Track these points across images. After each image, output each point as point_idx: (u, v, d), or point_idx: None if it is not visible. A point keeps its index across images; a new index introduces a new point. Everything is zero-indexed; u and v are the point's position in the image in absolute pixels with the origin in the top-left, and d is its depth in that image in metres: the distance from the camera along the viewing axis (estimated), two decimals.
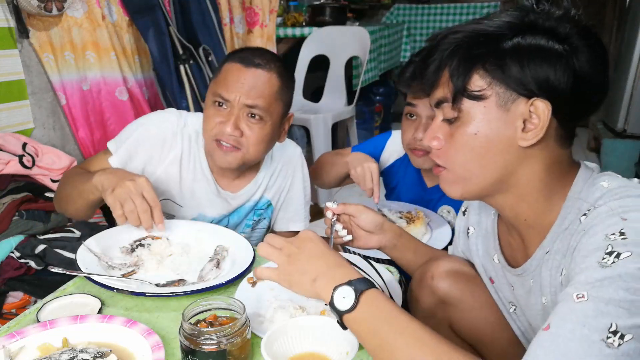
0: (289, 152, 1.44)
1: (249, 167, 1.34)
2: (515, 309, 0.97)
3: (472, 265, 1.05)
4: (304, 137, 3.96)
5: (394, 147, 1.58)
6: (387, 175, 1.61)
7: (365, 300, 0.75)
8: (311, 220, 2.86)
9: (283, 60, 1.27)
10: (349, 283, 0.76)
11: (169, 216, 1.32)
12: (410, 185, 1.51)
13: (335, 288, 0.76)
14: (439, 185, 0.90)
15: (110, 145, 1.30)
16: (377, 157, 1.57)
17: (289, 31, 3.30)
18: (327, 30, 3.22)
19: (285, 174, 1.43)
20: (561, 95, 0.75)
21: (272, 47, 3.23)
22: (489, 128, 0.78)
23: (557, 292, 0.80)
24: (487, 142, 0.78)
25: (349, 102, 3.12)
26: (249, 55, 1.20)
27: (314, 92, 3.53)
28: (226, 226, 1.36)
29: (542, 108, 0.75)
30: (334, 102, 3.14)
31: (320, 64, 3.23)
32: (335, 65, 3.18)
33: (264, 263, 1.07)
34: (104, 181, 1.11)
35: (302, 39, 3.25)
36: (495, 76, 0.76)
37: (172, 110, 1.33)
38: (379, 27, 3.56)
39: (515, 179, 0.81)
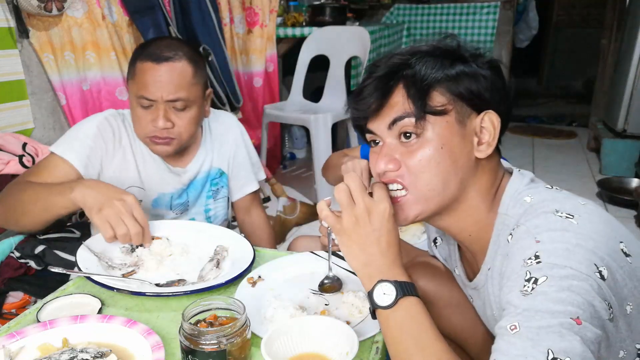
0: (225, 120, 1.52)
1: (191, 143, 1.40)
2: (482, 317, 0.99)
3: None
4: (304, 137, 3.97)
5: None
6: None
7: (403, 305, 0.75)
8: (311, 221, 2.85)
9: (188, 43, 1.33)
10: (395, 283, 0.76)
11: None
12: None
13: (379, 281, 0.77)
14: (396, 212, 0.85)
15: (57, 148, 1.27)
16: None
17: (289, 31, 3.30)
18: (327, 30, 3.22)
19: (227, 140, 1.50)
20: (495, 105, 0.82)
21: (272, 47, 3.24)
22: (452, 142, 0.80)
23: (501, 309, 0.81)
24: (451, 156, 0.80)
25: None
26: (157, 51, 1.24)
27: (314, 92, 3.52)
28: (187, 200, 1.43)
29: (491, 120, 0.81)
30: (334, 102, 3.14)
31: (320, 64, 3.23)
32: (335, 65, 3.18)
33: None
34: (87, 198, 1.07)
35: (302, 39, 3.25)
36: (453, 93, 0.80)
37: (109, 109, 1.38)
38: (379, 27, 3.56)
39: (466, 193, 0.83)
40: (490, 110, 0.81)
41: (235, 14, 3.05)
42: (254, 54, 3.20)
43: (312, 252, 1.11)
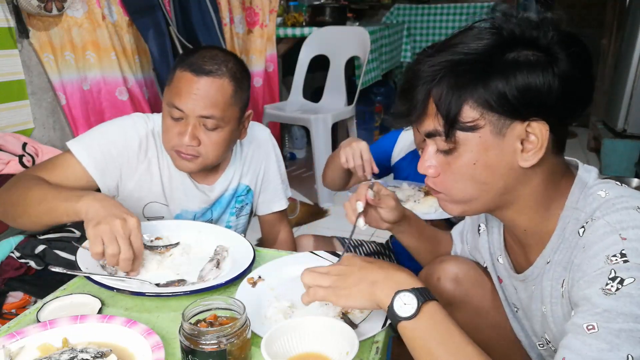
0: (257, 136, 1.44)
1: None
2: (517, 311, 0.97)
3: (478, 266, 1.05)
4: (304, 137, 3.97)
5: (404, 142, 1.59)
6: (399, 168, 1.62)
7: (426, 312, 0.74)
8: (311, 221, 2.85)
9: (235, 56, 1.25)
10: (412, 290, 0.75)
11: (157, 218, 1.32)
12: (420, 177, 1.53)
13: (397, 293, 0.75)
14: (439, 204, 0.88)
15: (75, 147, 1.21)
16: (389, 152, 1.61)
17: (289, 31, 3.30)
18: (327, 30, 3.22)
19: (258, 157, 1.43)
20: (552, 107, 0.73)
21: (272, 47, 3.24)
22: (488, 156, 0.76)
23: (557, 303, 0.80)
24: (487, 169, 0.77)
25: (349, 102, 3.12)
26: (199, 62, 1.17)
27: (314, 92, 3.53)
28: (211, 218, 1.39)
29: (539, 128, 0.74)
30: (334, 102, 3.14)
31: (320, 64, 3.23)
32: (335, 65, 3.18)
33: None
34: (90, 209, 1.01)
35: (302, 39, 3.25)
36: (486, 105, 0.74)
37: (138, 114, 1.31)
38: (379, 27, 3.56)
39: (515, 195, 0.80)
40: (535, 118, 0.74)
41: (235, 14, 3.05)
42: (254, 54, 3.20)
43: (312, 252, 1.11)
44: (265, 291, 0.98)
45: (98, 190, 1.24)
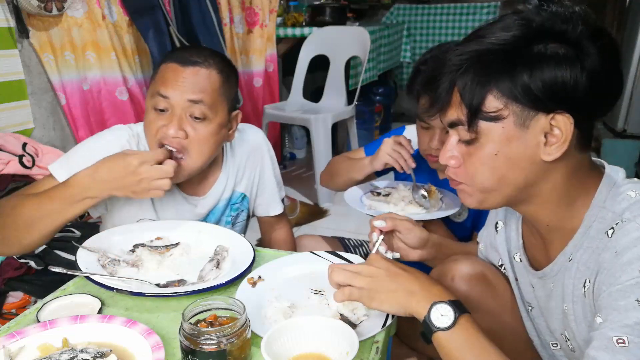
0: (251, 139, 1.38)
1: (210, 168, 1.27)
2: (532, 309, 0.97)
3: (493, 267, 1.05)
4: (304, 137, 3.97)
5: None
6: None
7: (462, 324, 0.75)
8: (311, 221, 2.85)
9: (223, 55, 1.23)
10: (449, 302, 0.76)
11: None
12: (423, 178, 1.52)
13: (433, 304, 0.76)
14: (458, 195, 0.89)
15: (58, 172, 1.15)
16: None
17: (289, 31, 3.30)
18: (327, 30, 3.22)
19: (253, 163, 1.38)
20: (578, 102, 0.72)
21: (272, 47, 3.24)
22: (510, 147, 0.76)
23: (578, 302, 0.80)
24: (509, 161, 0.77)
25: (349, 102, 3.12)
26: (185, 54, 1.15)
27: (314, 92, 3.53)
28: None
29: (563, 121, 0.73)
30: (334, 102, 3.14)
31: (320, 64, 3.23)
32: (335, 65, 3.18)
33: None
34: (99, 187, 1.06)
35: (302, 39, 3.25)
36: (510, 96, 0.73)
37: (120, 126, 1.25)
38: (379, 27, 3.56)
39: (536, 189, 0.80)
40: (560, 111, 0.72)
41: (235, 14, 3.05)
42: (254, 54, 3.20)
43: (312, 252, 1.11)
44: (265, 291, 0.98)
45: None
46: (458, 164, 0.82)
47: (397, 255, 1.06)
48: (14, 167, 1.81)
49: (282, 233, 1.52)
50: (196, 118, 1.14)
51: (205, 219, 1.33)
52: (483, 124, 0.76)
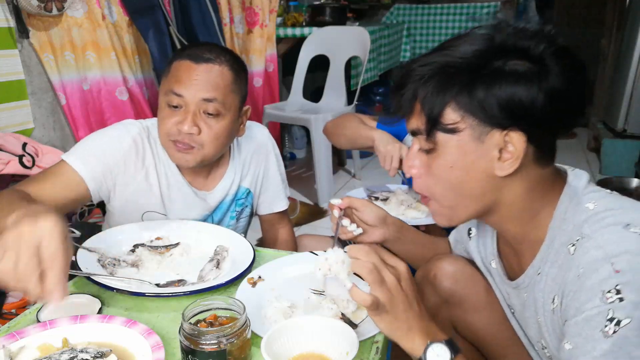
0: (256, 136, 1.42)
1: (217, 163, 1.31)
2: (514, 313, 0.97)
3: (474, 264, 1.05)
4: (304, 137, 3.97)
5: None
6: None
7: None
8: (311, 221, 2.85)
9: (232, 52, 1.25)
10: (446, 343, 0.75)
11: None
12: None
13: (430, 344, 0.76)
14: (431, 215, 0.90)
15: (70, 158, 1.15)
16: (399, 140, 1.61)
17: (289, 31, 3.30)
18: (327, 30, 3.22)
19: (257, 159, 1.41)
20: (535, 120, 0.73)
21: (272, 47, 3.24)
22: (465, 161, 0.77)
23: (548, 317, 0.80)
24: (464, 174, 0.78)
25: (349, 102, 3.12)
26: (197, 52, 1.17)
27: (314, 92, 3.53)
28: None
29: (516, 138, 0.74)
30: (334, 102, 3.14)
31: (320, 64, 3.23)
32: (335, 65, 3.18)
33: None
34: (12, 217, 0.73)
35: (302, 39, 3.25)
36: (467, 109, 0.74)
37: (131, 120, 1.28)
38: (379, 27, 3.57)
39: (495, 203, 0.81)
40: (513, 128, 0.73)
41: (235, 14, 3.05)
42: (254, 54, 3.20)
43: (312, 252, 1.11)
44: (265, 291, 0.98)
45: (89, 200, 1.20)
46: (418, 173, 0.84)
47: (360, 230, 1.07)
48: (14, 167, 1.81)
49: (283, 232, 1.53)
50: (209, 114, 1.16)
51: (212, 213, 1.35)
52: (440, 135, 0.77)
